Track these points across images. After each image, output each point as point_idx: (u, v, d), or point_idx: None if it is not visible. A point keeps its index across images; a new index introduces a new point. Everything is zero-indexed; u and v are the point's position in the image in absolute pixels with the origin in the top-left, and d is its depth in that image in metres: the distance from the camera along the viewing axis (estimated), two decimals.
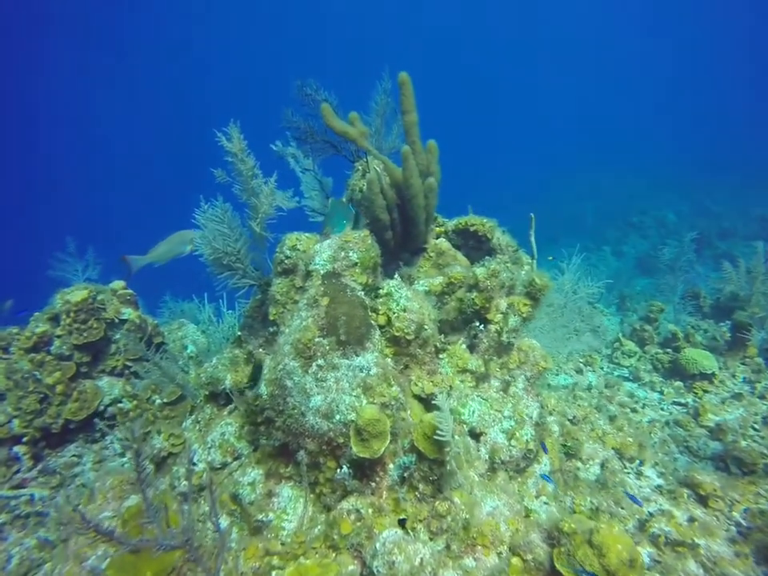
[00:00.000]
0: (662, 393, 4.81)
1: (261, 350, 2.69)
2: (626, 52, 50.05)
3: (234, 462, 2.27)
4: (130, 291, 4.66)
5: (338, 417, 1.88)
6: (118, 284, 4.68)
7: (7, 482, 3.53)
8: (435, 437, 1.62)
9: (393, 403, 1.92)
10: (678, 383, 4.87)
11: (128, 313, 4.48)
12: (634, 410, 4.25)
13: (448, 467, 1.67)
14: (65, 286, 4.33)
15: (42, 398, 3.78)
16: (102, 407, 4.07)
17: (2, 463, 3.59)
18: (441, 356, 2.40)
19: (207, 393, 2.74)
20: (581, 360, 5.30)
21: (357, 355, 2.00)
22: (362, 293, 2.21)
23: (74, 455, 3.86)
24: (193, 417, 2.83)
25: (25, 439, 3.62)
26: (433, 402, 1.84)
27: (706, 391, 4.67)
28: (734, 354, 5.29)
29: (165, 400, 4.01)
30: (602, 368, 5.50)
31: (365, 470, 1.82)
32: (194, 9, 45.90)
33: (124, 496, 2.52)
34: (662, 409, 4.47)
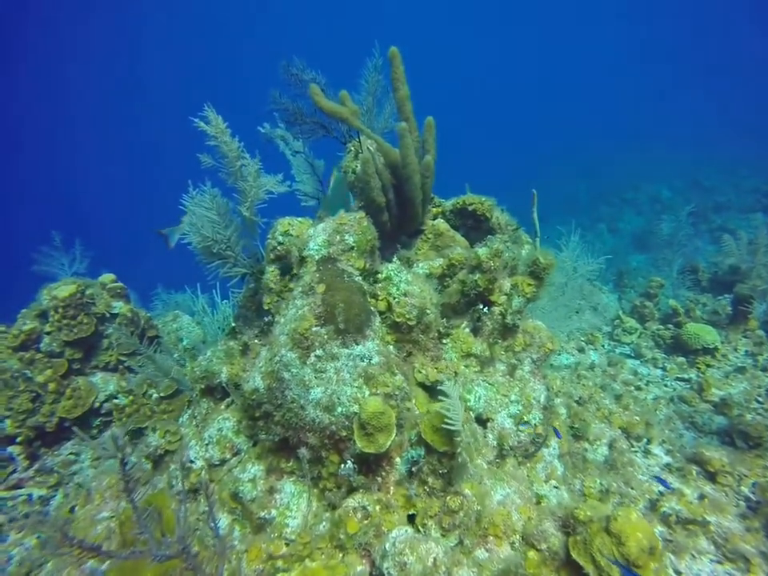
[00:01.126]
0: (664, 369, 4.77)
1: (256, 340, 2.58)
2: (614, 29, 49.22)
3: (233, 459, 2.19)
4: (120, 284, 4.51)
5: (339, 409, 1.79)
6: (107, 277, 4.53)
7: (2, 483, 3.46)
8: (444, 426, 1.53)
9: (397, 393, 1.83)
10: (681, 359, 4.83)
11: (119, 306, 4.35)
12: (638, 388, 4.20)
13: (459, 459, 1.58)
14: (51, 281, 4.18)
15: (34, 396, 3.68)
16: (97, 404, 3.98)
17: None
18: (444, 341, 2.30)
19: (203, 387, 2.64)
20: (582, 339, 5.25)
21: (357, 344, 1.89)
22: (360, 278, 2.09)
23: (71, 453, 3.78)
24: (189, 412, 2.73)
25: (18, 439, 3.52)
26: (439, 388, 1.75)
27: (708, 366, 4.63)
28: (736, 327, 5.25)
29: (161, 394, 3.92)
30: (603, 346, 5.46)
31: (370, 464, 1.74)
32: None
33: (122, 495, 2.45)
34: (666, 385, 4.43)
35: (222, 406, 2.64)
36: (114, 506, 2.38)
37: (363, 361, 1.85)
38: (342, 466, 1.74)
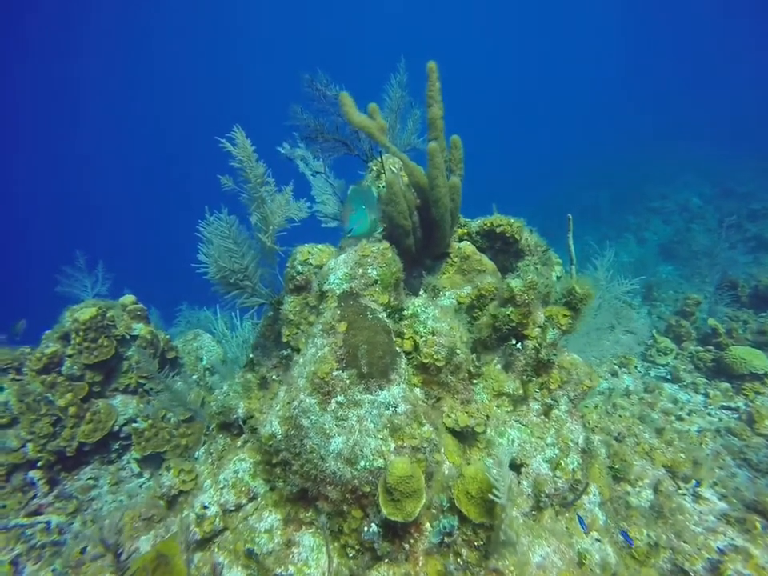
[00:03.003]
0: (707, 395, 4.44)
1: (274, 375, 2.47)
2: (635, 31, 48.30)
3: (249, 505, 2.06)
4: (140, 306, 4.51)
5: (362, 463, 1.64)
6: (127, 299, 4.54)
7: (23, 509, 3.43)
8: (490, 496, 1.35)
9: (425, 446, 1.67)
10: (725, 384, 4.49)
11: (139, 328, 4.34)
12: (679, 418, 3.90)
13: (502, 536, 1.40)
14: (74, 302, 4.21)
15: (54, 420, 3.67)
16: (116, 427, 3.95)
17: (18, 489, 3.49)
18: (474, 381, 2.13)
19: (219, 422, 2.54)
20: (615, 362, 4.96)
21: (381, 389, 1.75)
22: (384, 314, 1.96)
23: (90, 478, 3.74)
24: (205, 447, 2.64)
25: (39, 464, 3.51)
26: (479, 446, 1.57)
27: (758, 393, 4.29)
28: None
29: (180, 418, 3.86)
30: (636, 368, 5.15)
31: (397, 529, 1.58)
32: (188, 8, 45.58)
33: (135, 535, 2.36)
34: (710, 414, 4.11)
35: (239, 442, 2.53)
36: (128, 548, 2.29)
37: (388, 409, 1.71)
38: (366, 529, 1.59)
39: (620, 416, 3.45)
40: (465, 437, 2.00)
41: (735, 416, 4.04)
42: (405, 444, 1.65)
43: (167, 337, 4.66)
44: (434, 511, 1.61)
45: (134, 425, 4.00)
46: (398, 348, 1.90)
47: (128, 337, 4.29)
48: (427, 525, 1.58)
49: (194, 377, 4.82)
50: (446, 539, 1.49)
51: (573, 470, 2.20)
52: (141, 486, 3.83)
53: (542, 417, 2.27)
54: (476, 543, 1.50)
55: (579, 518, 2.01)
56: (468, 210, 3.56)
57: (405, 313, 1.99)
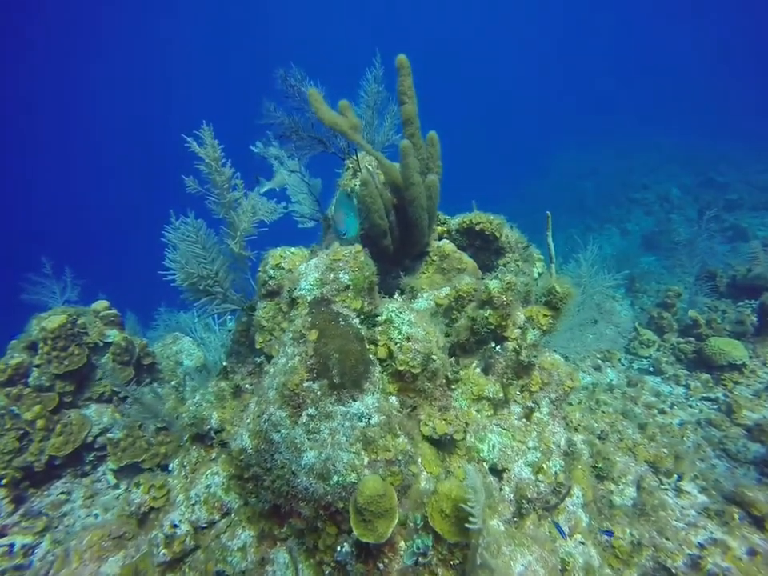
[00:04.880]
0: (688, 387, 4.48)
1: (248, 384, 2.37)
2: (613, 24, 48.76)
3: (222, 521, 1.97)
4: (114, 311, 4.35)
5: (335, 478, 1.57)
6: (100, 304, 4.37)
7: None
8: (460, 515, 1.29)
9: (400, 458, 1.60)
10: (705, 376, 4.53)
11: (113, 335, 4.17)
12: (662, 411, 3.92)
13: (478, 560, 1.34)
14: (42, 310, 4.02)
15: (21, 434, 3.50)
16: (90, 438, 3.80)
17: None
18: (453, 386, 2.07)
19: (192, 434, 2.44)
20: (598, 356, 4.97)
21: (354, 400, 1.67)
22: (357, 321, 1.87)
23: (61, 492, 3.59)
24: (178, 459, 2.53)
25: (3, 482, 3.33)
26: (459, 453, 1.51)
27: (736, 383, 4.34)
28: (763, 339, 4.94)
29: (158, 425, 3.73)
30: (620, 361, 5.18)
31: (370, 549, 1.51)
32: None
33: (104, 556, 2.23)
34: (691, 406, 4.14)
35: (214, 454, 2.44)
36: (94, 570, 2.16)
37: (361, 421, 1.63)
38: (338, 549, 1.52)
39: (603, 412, 3.44)
40: (444, 445, 1.94)
41: (715, 407, 4.08)
42: (379, 457, 1.58)
43: (144, 342, 4.50)
44: (410, 525, 1.54)
45: (108, 435, 3.86)
46: (371, 356, 1.83)
47: (101, 344, 4.13)
48: (402, 543, 1.52)
49: (173, 383, 4.68)
50: (420, 559, 1.43)
51: (555, 473, 2.16)
52: (117, 498, 3.70)
53: (524, 420, 2.22)
54: (452, 562, 1.44)
55: (557, 525, 1.97)
56: (450, 206, 3.49)
57: (379, 319, 1.91)
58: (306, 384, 1.67)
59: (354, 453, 1.58)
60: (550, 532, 2.11)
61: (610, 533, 2.31)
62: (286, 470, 1.64)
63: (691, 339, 5.13)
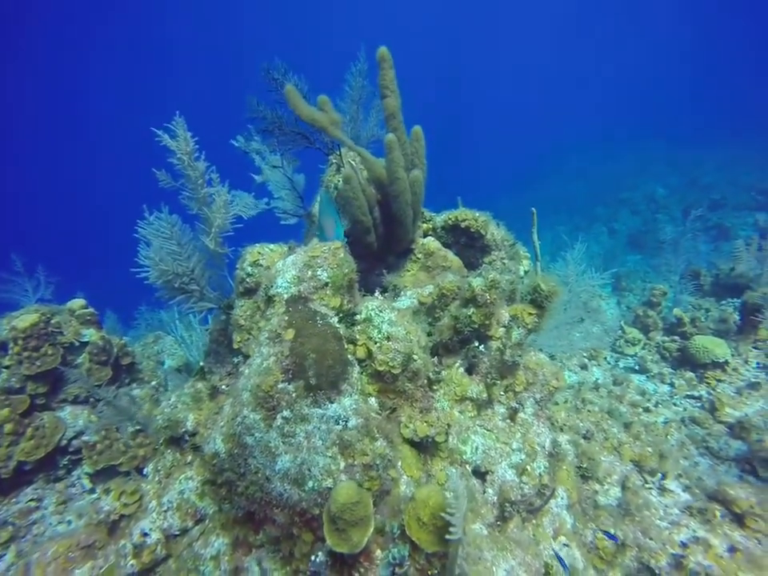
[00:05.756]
0: (672, 385, 4.51)
1: (225, 385, 2.29)
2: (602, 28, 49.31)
3: (196, 528, 1.89)
4: (90, 310, 4.20)
5: (310, 483, 1.50)
6: (76, 303, 4.21)
7: None
8: (439, 524, 1.23)
9: (378, 463, 1.54)
10: (690, 374, 4.56)
11: (89, 334, 4.03)
12: (647, 410, 3.93)
13: (456, 571, 1.28)
14: (13, 308, 3.87)
15: None
16: (64, 441, 3.66)
17: None
18: (435, 387, 2.02)
19: (167, 437, 2.35)
20: (584, 354, 4.97)
21: (331, 402, 1.61)
22: (336, 319, 1.81)
23: (31, 499, 3.44)
24: (153, 464, 2.44)
25: None
26: (442, 456, 1.45)
27: (719, 381, 4.37)
28: (746, 337, 4.99)
29: (137, 427, 3.62)
30: (606, 359, 5.20)
31: (345, 558, 1.45)
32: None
33: (69, 568, 2.11)
34: (675, 404, 4.16)
35: (189, 457, 2.35)
36: None
37: (338, 424, 1.57)
38: (312, 558, 1.45)
39: (589, 411, 3.42)
40: (425, 447, 1.88)
41: (698, 405, 4.10)
42: (356, 462, 1.52)
43: (122, 341, 4.36)
44: (388, 532, 1.48)
45: (84, 438, 3.72)
46: (350, 356, 1.76)
47: (77, 343, 3.98)
48: (378, 552, 1.46)
49: (153, 383, 4.55)
50: (396, 570, 1.37)
51: (539, 474, 2.12)
52: (93, 503, 3.57)
53: (508, 421, 2.18)
54: (430, 572, 1.39)
55: (559, 557, 1.90)
56: (437, 203, 3.44)
57: (358, 317, 1.84)
58: (280, 385, 1.60)
59: (330, 457, 1.51)
60: (534, 535, 2.07)
61: (615, 538, 2.26)
62: (259, 475, 1.57)
63: (676, 337, 5.16)
